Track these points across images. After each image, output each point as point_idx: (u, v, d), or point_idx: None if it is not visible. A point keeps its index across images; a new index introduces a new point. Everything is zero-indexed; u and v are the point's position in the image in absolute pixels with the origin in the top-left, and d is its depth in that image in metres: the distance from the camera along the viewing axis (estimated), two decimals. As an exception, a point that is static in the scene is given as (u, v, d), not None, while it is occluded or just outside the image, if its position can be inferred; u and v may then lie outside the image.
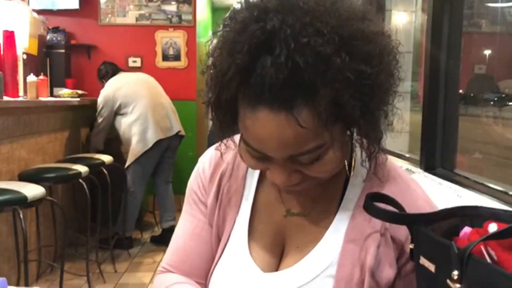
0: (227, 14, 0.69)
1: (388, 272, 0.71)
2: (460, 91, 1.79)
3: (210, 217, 0.85)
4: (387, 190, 0.74)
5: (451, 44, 1.65)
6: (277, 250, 0.79)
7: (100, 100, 3.81)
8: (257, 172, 0.84)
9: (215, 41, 0.69)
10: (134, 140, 3.75)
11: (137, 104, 3.76)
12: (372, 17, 0.67)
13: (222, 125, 0.72)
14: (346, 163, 0.74)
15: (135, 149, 3.75)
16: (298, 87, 0.60)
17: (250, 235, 0.80)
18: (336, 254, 0.73)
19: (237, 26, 0.64)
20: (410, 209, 0.70)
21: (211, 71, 0.69)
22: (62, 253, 2.77)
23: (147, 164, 3.82)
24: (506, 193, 1.31)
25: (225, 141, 0.78)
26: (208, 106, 0.71)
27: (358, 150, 0.75)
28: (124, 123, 3.81)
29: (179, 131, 3.94)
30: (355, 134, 0.71)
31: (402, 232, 0.71)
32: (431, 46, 1.68)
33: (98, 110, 3.81)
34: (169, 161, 3.99)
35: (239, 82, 0.63)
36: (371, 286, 0.70)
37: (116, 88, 3.80)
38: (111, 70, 3.99)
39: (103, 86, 3.93)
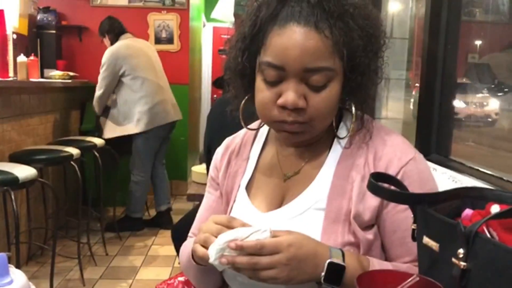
0: None
1: (372, 201, 0.83)
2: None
3: (221, 187, 1.02)
4: (370, 144, 0.87)
5: (449, 31, 1.65)
6: (277, 200, 0.93)
7: (105, 58, 3.60)
8: (260, 144, 1.00)
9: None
10: (144, 108, 3.63)
11: (147, 81, 3.66)
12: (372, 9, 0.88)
13: (242, 76, 0.88)
14: (333, 123, 0.89)
15: (142, 120, 3.63)
16: (323, 13, 0.80)
17: (252, 191, 0.96)
18: (326, 191, 0.86)
19: None
20: (390, 156, 0.85)
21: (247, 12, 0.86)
22: (54, 234, 2.75)
23: (154, 141, 3.76)
24: (500, 178, 1.32)
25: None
26: (233, 49, 0.88)
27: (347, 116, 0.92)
28: (130, 90, 3.65)
29: (179, 119, 3.96)
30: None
31: (381, 165, 0.85)
32: (430, 33, 1.67)
33: (102, 69, 3.61)
34: (166, 144, 3.99)
35: (275, 7, 0.81)
36: (357, 214, 0.82)
37: (126, 53, 3.62)
38: (117, 28, 3.76)
39: (104, 44, 3.80)
